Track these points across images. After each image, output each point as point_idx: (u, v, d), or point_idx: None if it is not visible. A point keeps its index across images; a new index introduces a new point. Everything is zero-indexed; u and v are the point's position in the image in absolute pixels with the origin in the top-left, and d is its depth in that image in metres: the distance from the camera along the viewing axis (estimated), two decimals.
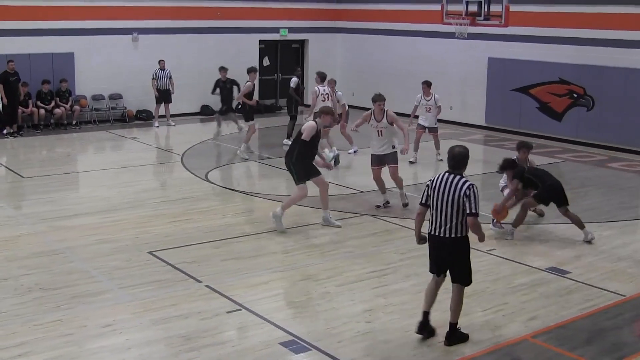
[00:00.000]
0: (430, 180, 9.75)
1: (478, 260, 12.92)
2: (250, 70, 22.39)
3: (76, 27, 27.19)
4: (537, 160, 21.32)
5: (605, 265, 13.09)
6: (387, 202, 16.61)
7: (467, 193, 9.38)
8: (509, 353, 9.65)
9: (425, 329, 9.87)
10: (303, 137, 14.44)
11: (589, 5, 24.34)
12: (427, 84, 21.83)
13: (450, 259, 9.69)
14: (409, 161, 20.79)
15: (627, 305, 11.39)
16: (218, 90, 26.20)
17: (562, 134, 25.34)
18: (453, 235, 9.51)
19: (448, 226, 9.50)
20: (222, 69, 26.15)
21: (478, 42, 26.86)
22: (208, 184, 18.62)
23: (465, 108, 27.77)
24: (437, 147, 21.74)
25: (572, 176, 20.79)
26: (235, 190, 17.96)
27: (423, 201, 9.78)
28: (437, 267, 9.84)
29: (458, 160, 9.68)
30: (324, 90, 21.50)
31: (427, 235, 9.83)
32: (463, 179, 9.53)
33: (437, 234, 9.61)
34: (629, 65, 23.41)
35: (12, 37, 25.85)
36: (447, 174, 9.64)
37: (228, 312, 10.67)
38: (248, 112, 22.29)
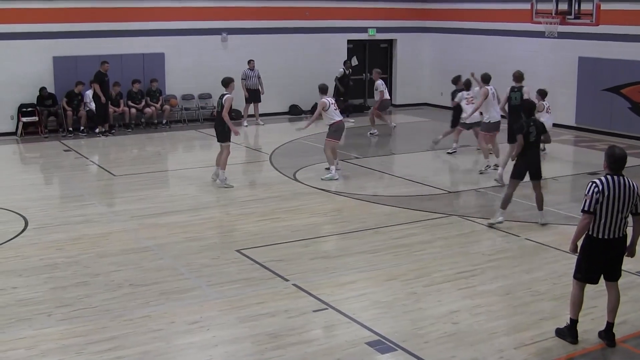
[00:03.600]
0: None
1: (567, 262, 12.76)
2: (229, 82, 18.63)
3: (166, 27, 27.56)
4: (628, 161, 21.01)
5: None
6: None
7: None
8: (598, 357, 9.54)
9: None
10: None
11: None
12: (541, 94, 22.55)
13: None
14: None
15: None
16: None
17: None
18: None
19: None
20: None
21: (568, 42, 26.50)
22: (296, 183, 18.70)
23: (555, 108, 27.38)
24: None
25: None
26: (323, 190, 18.00)
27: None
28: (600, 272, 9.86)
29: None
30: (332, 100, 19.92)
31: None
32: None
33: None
34: None
35: (104, 38, 26.31)
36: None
37: (315, 311, 10.72)
38: (226, 132, 18.59)
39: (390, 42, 33.48)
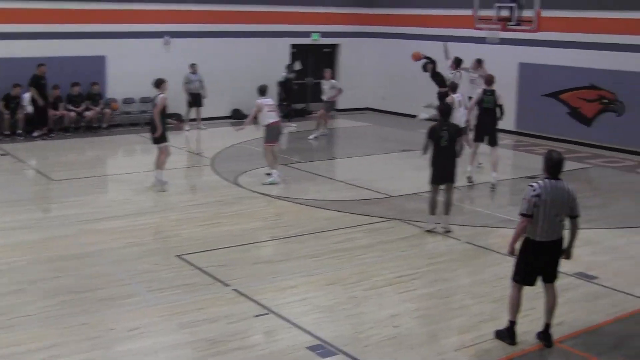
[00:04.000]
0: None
1: (506, 265, 12.85)
2: (161, 82, 18.57)
3: (108, 30, 27.30)
4: (567, 165, 21.23)
5: (634, 271, 13.06)
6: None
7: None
8: (536, 358, 9.64)
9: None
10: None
11: (621, 11, 24.23)
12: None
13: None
14: None
15: None
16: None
17: (592, 140, 25.20)
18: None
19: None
20: None
21: (509, 47, 26.76)
22: (238, 187, 18.64)
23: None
24: None
25: (602, 182, 20.74)
26: (264, 194, 17.96)
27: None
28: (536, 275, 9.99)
29: None
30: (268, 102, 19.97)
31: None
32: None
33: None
34: None
35: (44, 40, 25.98)
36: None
37: (256, 316, 10.69)
38: (161, 133, 18.40)
39: (334, 47, 33.52)
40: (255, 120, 19.34)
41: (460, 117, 19.61)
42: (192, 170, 21.62)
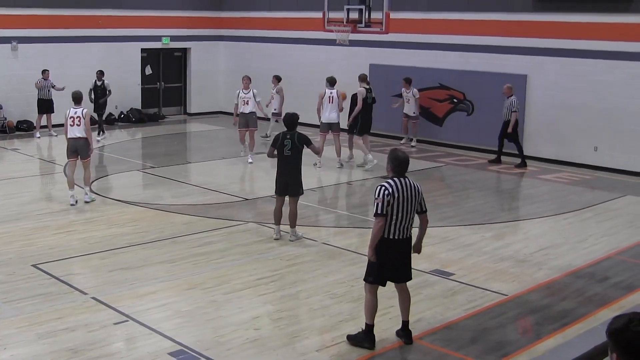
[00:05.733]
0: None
1: (364, 264, 13.04)
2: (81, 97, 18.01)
3: None
4: (419, 164, 21.79)
5: (488, 266, 13.39)
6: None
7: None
8: (396, 356, 9.81)
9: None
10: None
11: (467, 12, 24.85)
12: (406, 81, 25.53)
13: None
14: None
15: (509, 304, 11.69)
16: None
17: (443, 139, 25.79)
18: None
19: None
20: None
21: (359, 49, 27.13)
22: (91, 194, 18.35)
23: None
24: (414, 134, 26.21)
25: (454, 180, 21.21)
26: (119, 201, 17.77)
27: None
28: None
29: None
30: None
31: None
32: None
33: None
34: (505, 71, 23.96)
35: None
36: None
37: (115, 324, 10.57)
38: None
39: (185, 51, 33.36)
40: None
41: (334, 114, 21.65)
42: (45, 177, 21.13)
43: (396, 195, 9.64)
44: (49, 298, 11.53)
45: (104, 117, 27.35)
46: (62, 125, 24.49)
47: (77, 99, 17.70)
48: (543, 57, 23.28)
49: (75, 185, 17.45)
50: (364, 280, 10.09)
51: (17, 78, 27.21)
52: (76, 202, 17.21)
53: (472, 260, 13.74)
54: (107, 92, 26.61)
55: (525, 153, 23.26)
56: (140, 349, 9.79)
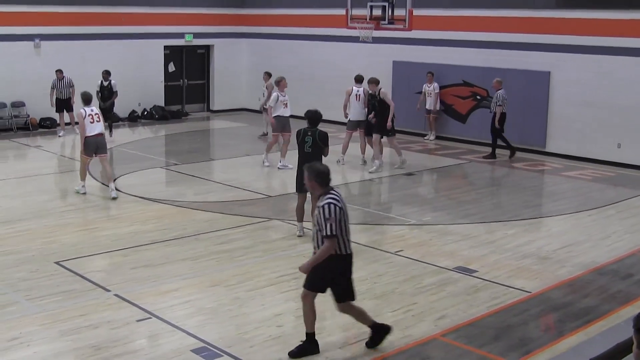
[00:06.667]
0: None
1: (386, 261, 13.17)
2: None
3: None
4: (443, 161, 21.80)
5: (511, 263, 13.35)
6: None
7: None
8: (419, 352, 9.77)
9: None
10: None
11: (490, 9, 24.78)
12: (432, 74, 25.89)
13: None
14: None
15: (532, 301, 11.64)
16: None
17: (466, 136, 25.71)
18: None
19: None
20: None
21: (382, 46, 27.11)
22: (115, 191, 18.40)
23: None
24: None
25: (477, 177, 21.16)
26: (142, 198, 17.81)
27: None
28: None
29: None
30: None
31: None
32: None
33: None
34: (528, 68, 23.89)
35: None
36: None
37: (138, 321, 10.60)
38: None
39: (208, 48, 33.41)
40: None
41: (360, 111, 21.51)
42: (67, 175, 21.14)
43: (344, 209, 9.32)
44: (71, 295, 11.57)
45: (112, 118, 26.65)
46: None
47: (87, 100, 17.95)
48: (566, 54, 23.19)
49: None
50: (307, 288, 9.55)
51: (39, 75, 27.27)
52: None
53: (494, 257, 13.70)
54: (114, 94, 25.98)
55: (547, 150, 23.26)
56: (163, 346, 9.81)
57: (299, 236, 14.73)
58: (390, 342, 9.93)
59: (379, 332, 9.85)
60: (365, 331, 10.14)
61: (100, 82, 25.92)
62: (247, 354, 9.58)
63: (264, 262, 13.28)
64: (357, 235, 14.93)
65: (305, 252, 13.79)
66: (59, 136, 26.55)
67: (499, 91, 22.75)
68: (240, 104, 33.63)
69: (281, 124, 21.29)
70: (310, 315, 9.59)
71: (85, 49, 28.96)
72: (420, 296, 11.59)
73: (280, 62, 31.09)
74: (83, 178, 18.20)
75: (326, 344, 9.90)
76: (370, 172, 20.75)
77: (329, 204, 9.19)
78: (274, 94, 21.42)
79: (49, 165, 21.71)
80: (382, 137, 21.03)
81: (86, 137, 17.68)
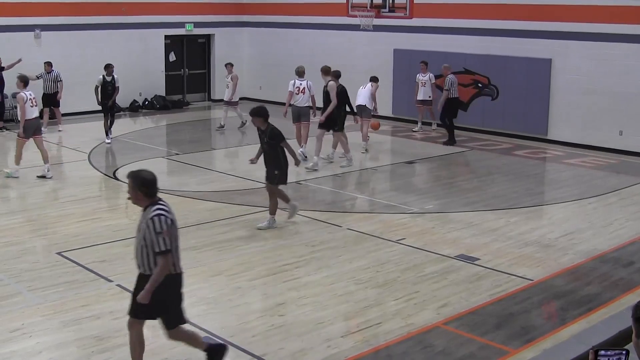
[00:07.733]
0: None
1: (388, 250, 13.17)
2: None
3: None
4: (445, 149, 21.80)
5: (513, 251, 13.33)
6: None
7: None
8: (422, 341, 9.76)
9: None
10: None
11: None
12: (425, 63, 25.52)
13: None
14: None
15: (534, 289, 11.64)
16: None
17: (468, 124, 25.65)
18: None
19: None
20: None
21: (383, 34, 27.06)
22: (116, 181, 18.42)
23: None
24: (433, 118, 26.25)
25: (479, 165, 21.12)
26: None
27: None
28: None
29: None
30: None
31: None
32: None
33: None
34: (530, 55, 23.85)
35: None
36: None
37: None
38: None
39: (208, 37, 33.37)
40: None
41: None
42: (69, 165, 21.13)
43: (174, 220, 8.50)
44: (73, 286, 11.57)
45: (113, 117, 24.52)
46: (89, 112, 24.76)
47: (26, 83, 18.65)
48: (567, 42, 23.14)
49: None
50: (173, 326, 8.72)
51: (40, 66, 27.15)
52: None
53: (497, 245, 13.69)
54: (116, 90, 24.01)
55: (549, 137, 23.28)
56: (165, 336, 9.79)
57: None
58: (392, 330, 9.94)
59: (214, 356, 8.94)
60: (370, 318, 10.16)
61: (102, 77, 23.84)
62: (249, 343, 9.58)
63: (265, 252, 13.27)
64: (360, 223, 14.97)
65: (307, 241, 13.82)
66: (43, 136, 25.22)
67: (449, 76, 23.13)
68: (242, 93, 33.50)
69: (297, 114, 20.97)
70: (137, 347, 8.73)
71: (86, 39, 28.89)
72: (423, 284, 11.59)
73: (281, 51, 31.08)
74: (18, 162, 18.58)
75: (328, 332, 9.89)
76: (341, 167, 20.12)
77: (158, 215, 8.32)
78: (290, 82, 21.26)
79: (51, 156, 21.69)
80: (327, 132, 20.25)
81: (26, 120, 18.19)
